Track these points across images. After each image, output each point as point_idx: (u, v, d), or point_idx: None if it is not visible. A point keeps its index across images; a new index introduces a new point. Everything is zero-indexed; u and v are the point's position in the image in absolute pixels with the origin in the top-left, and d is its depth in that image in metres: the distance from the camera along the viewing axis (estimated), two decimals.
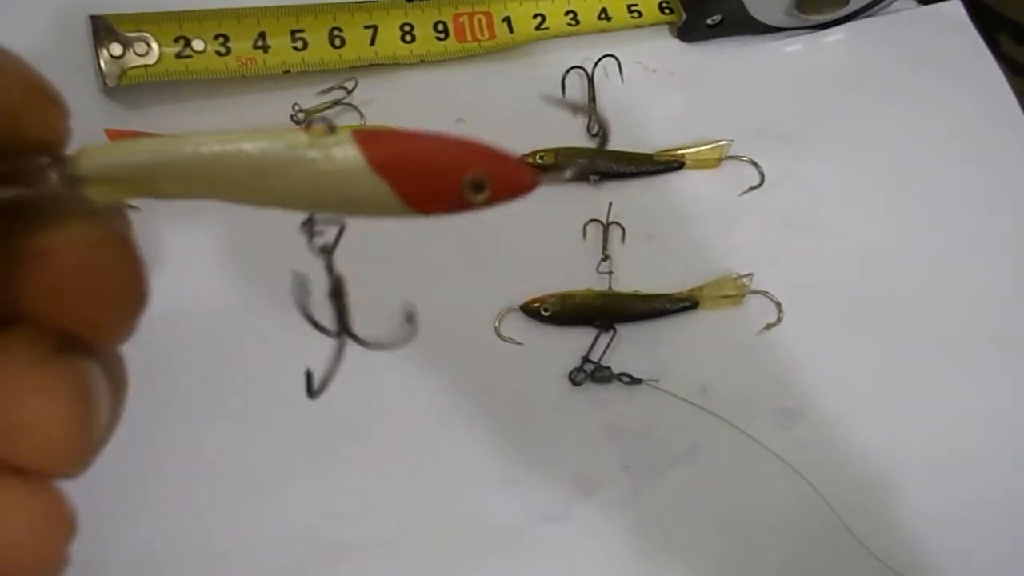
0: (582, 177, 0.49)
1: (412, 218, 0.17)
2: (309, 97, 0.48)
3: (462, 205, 0.16)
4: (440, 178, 0.16)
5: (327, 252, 0.17)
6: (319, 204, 0.16)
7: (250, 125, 0.47)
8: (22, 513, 0.16)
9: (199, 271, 0.45)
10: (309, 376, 0.19)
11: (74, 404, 0.16)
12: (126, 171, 0.16)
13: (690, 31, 0.53)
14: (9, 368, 0.16)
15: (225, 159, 0.16)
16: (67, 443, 0.16)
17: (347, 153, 0.16)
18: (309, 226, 0.17)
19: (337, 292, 0.17)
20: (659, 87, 0.53)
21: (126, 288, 0.18)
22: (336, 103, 0.48)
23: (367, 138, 0.16)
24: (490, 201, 0.16)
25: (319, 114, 0.48)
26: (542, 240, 0.48)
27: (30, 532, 0.16)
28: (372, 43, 0.49)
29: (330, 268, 0.17)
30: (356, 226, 0.51)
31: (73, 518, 0.17)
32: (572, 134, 0.50)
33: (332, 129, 0.16)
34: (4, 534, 0.16)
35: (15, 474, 0.16)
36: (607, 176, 0.49)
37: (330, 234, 0.17)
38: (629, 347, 0.47)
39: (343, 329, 0.18)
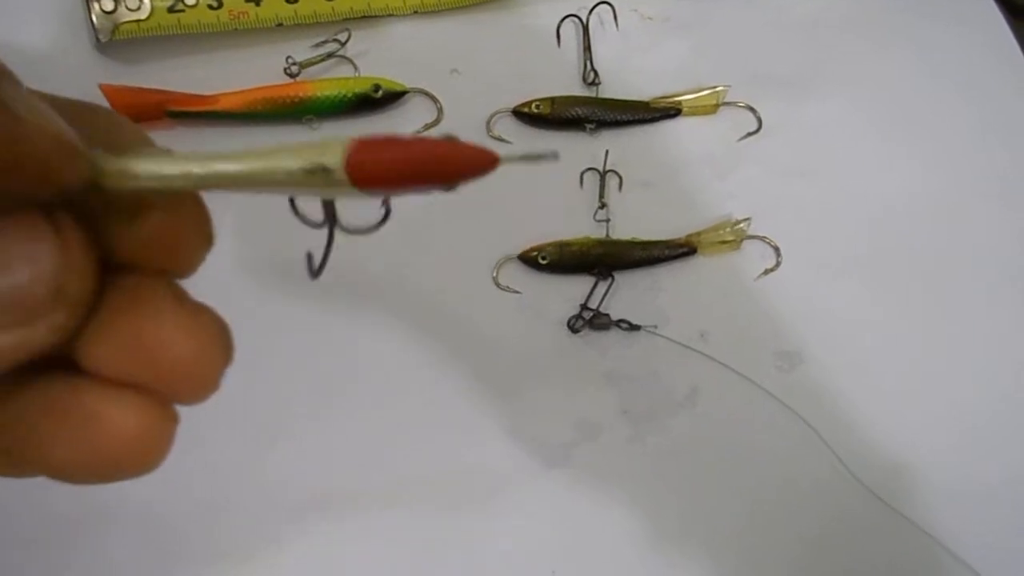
0: (579, 125, 0.49)
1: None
2: (303, 50, 0.48)
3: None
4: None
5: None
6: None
7: (243, 79, 0.46)
8: (135, 415, 0.19)
9: None
10: (309, 258, 0.20)
11: (208, 339, 0.20)
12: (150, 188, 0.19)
13: None
14: (151, 309, 0.19)
15: (240, 182, 0.18)
16: (200, 378, 0.19)
17: (339, 180, 0.18)
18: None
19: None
20: (655, 34, 0.52)
21: (200, 230, 0.21)
22: (330, 56, 0.48)
23: (358, 170, 0.18)
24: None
25: (312, 64, 0.47)
26: (539, 189, 0.48)
27: (143, 443, 0.19)
28: None
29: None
30: None
31: (176, 414, 0.20)
32: (568, 83, 0.50)
33: (328, 171, 0.18)
34: (121, 441, 0.19)
35: (137, 393, 0.19)
36: (603, 124, 0.49)
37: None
38: (627, 294, 0.47)
39: (331, 218, 0.19)
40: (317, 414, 0.43)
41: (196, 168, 0.18)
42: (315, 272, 0.21)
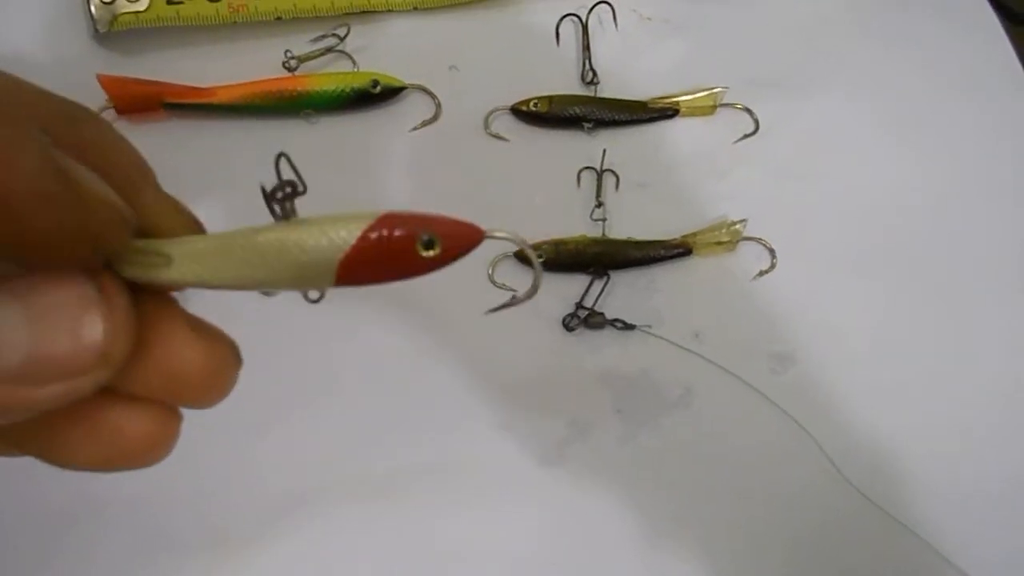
0: (576, 124, 0.49)
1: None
2: (301, 44, 0.48)
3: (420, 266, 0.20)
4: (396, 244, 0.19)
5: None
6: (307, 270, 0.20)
7: (241, 73, 0.46)
8: (154, 432, 0.21)
9: None
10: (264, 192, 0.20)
11: (222, 359, 0.22)
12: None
13: None
14: (173, 339, 0.21)
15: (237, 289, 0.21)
16: (210, 390, 0.22)
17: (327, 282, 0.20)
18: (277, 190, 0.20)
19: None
20: (654, 34, 0.52)
21: None
22: (328, 50, 0.48)
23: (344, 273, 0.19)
24: (445, 260, 0.20)
25: (310, 58, 0.47)
26: (536, 187, 0.48)
27: (149, 443, 0.21)
28: None
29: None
30: (351, 181, 0.51)
31: (181, 415, 0.22)
32: (566, 81, 0.50)
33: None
34: (137, 443, 0.21)
35: (153, 403, 0.21)
36: (601, 123, 0.49)
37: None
38: (623, 293, 0.47)
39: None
40: (309, 410, 0.43)
41: (192, 281, 0.20)
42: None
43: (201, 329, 0.22)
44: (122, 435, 0.21)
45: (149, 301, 0.21)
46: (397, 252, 0.19)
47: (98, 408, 0.21)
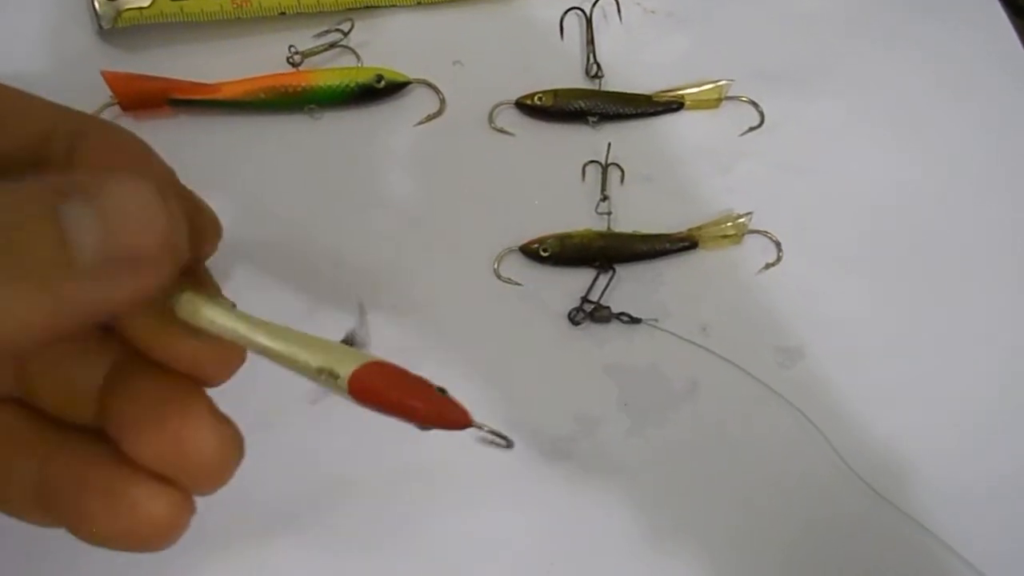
0: (581, 117, 0.49)
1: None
2: (305, 39, 0.48)
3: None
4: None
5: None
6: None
7: (245, 68, 0.46)
8: (168, 507, 0.23)
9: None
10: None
11: (236, 445, 0.24)
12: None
13: None
14: (194, 417, 0.23)
15: (271, 354, 0.23)
16: (227, 472, 0.24)
17: (340, 387, 0.22)
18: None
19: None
20: (658, 28, 0.52)
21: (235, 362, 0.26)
22: (332, 45, 0.48)
23: (357, 387, 0.22)
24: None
25: (314, 54, 0.47)
26: (541, 181, 0.48)
27: (163, 524, 0.23)
28: None
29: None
30: (356, 176, 0.51)
31: (195, 505, 0.24)
32: (570, 75, 0.50)
33: (335, 376, 0.23)
34: (150, 525, 0.23)
35: (167, 484, 0.23)
36: (606, 117, 0.49)
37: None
38: (628, 287, 0.47)
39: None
40: (312, 403, 0.43)
41: (242, 330, 0.23)
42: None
43: (219, 416, 0.24)
44: (137, 511, 0.23)
45: (175, 379, 0.23)
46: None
47: (116, 476, 0.23)
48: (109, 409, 0.24)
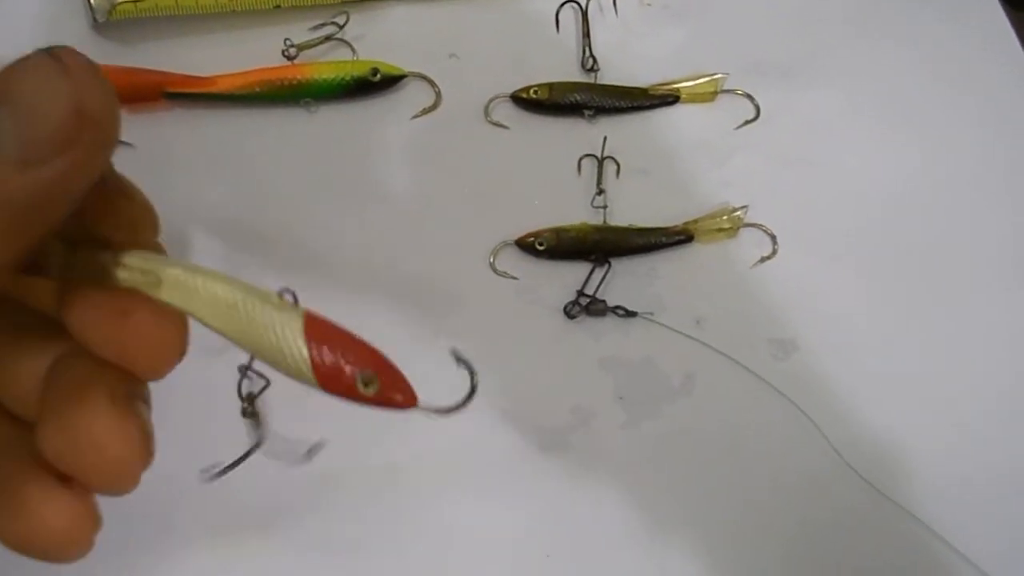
0: (577, 111, 0.49)
1: (314, 389, 0.22)
2: (301, 33, 0.48)
3: (353, 394, 0.22)
4: (343, 368, 0.22)
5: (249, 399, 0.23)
6: (259, 346, 0.21)
7: (241, 61, 0.46)
8: (65, 515, 0.22)
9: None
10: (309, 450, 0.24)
11: (138, 441, 0.22)
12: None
13: None
14: (89, 408, 0.22)
15: (218, 294, 0.21)
16: (127, 471, 0.22)
17: (294, 318, 0.21)
18: (244, 369, 0.23)
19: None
20: (654, 21, 0.52)
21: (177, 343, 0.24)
22: (328, 39, 0.48)
23: (311, 319, 0.22)
24: (376, 400, 0.22)
25: (310, 47, 0.47)
26: (537, 175, 0.48)
27: (69, 527, 0.22)
28: None
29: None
30: (351, 170, 0.51)
31: (100, 518, 0.23)
32: (566, 69, 0.50)
33: (295, 300, 0.22)
34: (47, 528, 0.22)
35: (70, 485, 0.22)
36: (602, 110, 0.49)
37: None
38: (624, 280, 0.47)
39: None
40: (308, 396, 0.43)
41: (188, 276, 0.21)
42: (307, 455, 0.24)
43: (125, 409, 0.22)
44: (28, 510, 0.22)
45: (93, 369, 0.22)
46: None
47: (17, 476, 0.22)
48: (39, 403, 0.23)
